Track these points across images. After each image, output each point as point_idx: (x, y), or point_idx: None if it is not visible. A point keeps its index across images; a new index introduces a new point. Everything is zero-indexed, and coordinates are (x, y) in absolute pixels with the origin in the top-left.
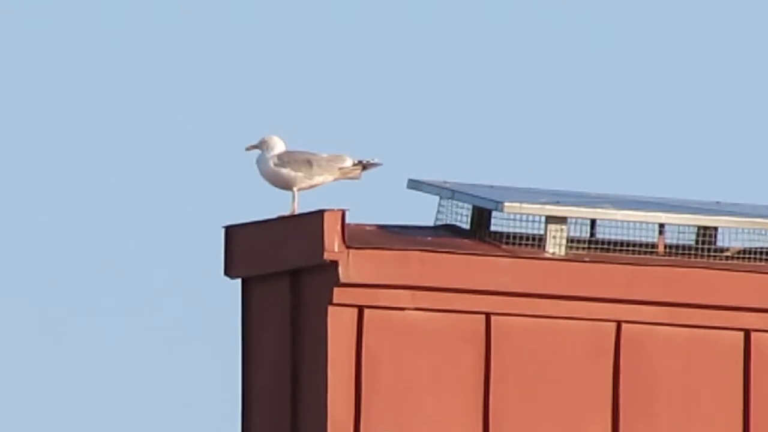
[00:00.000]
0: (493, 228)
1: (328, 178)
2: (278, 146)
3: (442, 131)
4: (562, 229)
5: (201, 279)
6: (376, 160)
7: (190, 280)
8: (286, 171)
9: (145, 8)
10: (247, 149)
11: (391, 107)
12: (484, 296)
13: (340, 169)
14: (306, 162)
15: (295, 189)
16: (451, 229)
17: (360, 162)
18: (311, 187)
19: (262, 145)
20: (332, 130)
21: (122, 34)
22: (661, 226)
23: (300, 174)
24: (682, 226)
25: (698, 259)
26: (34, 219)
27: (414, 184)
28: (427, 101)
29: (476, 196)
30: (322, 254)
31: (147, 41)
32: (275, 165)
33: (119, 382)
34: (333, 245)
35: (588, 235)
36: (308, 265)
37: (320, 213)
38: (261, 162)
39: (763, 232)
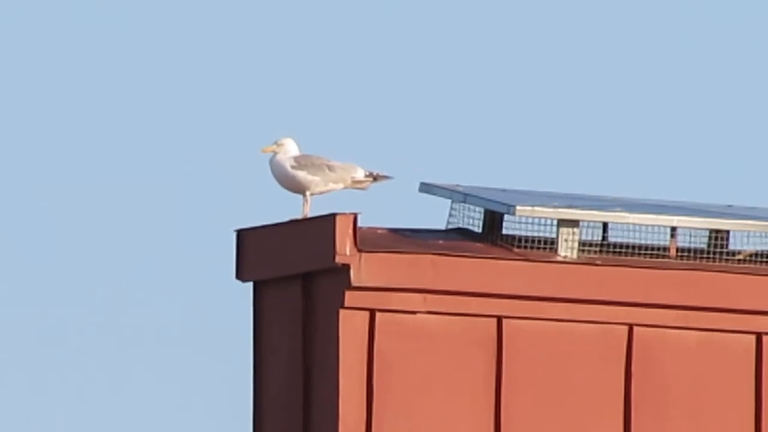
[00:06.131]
0: (505, 231)
1: (339, 185)
2: (293, 149)
3: (454, 135)
4: (574, 233)
5: (212, 282)
6: (386, 174)
7: (201, 283)
8: (302, 174)
9: (164, 13)
10: (264, 151)
11: (403, 111)
12: (496, 299)
13: (352, 178)
14: (323, 167)
15: (308, 193)
16: (463, 233)
17: (371, 174)
18: (322, 192)
19: (277, 147)
20: (344, 134)
21: (137, 37)
22: (673, 229)
23: (316, 178)
24: (694, 229)
25: (710, 263)
26: (44, 220)
27: (426, 188)
28: (438, 104)
29: (488, 200)
30: (334, 258)
31: (162, 44)
32: (292, 167)
33: (130, 385)
34: (345, 249)
35: (600, 238)
36: (320, 269)
37: (332, 216)
38: (276, 164)
39: None
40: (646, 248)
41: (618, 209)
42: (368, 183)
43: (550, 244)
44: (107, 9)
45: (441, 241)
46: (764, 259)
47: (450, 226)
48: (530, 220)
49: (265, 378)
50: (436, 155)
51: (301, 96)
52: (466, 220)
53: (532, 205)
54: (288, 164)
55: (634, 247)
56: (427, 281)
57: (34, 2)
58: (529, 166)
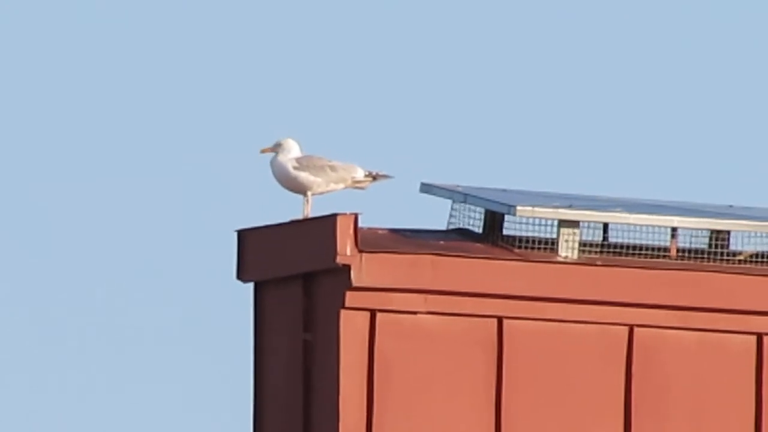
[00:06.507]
0: (505, 232)
1: (340, 185)
2: (294, 149)
3: (455, 135)
4: (574, 233)
5: (213, 283)
6: (385, 173)
7: (202, 284)
8: (304, 175)
9: (164, 12)
10: (263, 152)
11: (403, 111)
12: (497, 300)
13: (353, 178)
14: (325, 168)
15: (309, 193)
16: (464, 233)
17: (371, 173)
18: (323, 193)
19: (277, 148)
20: (344, 134)
21: (137, 37)
22: (674, 229)
23: (318, 179)
24: (694, 229)
25: (711, 263)
26: (44, 220)
27: (426, 188)
28: (439, 105)
29: (489, 200)
30: (335, 258)
31: (162, 44)
32: (294, 168)
33: (130, 386)
34: (345, 249)
35: (600, 238)
36: (321, 269)
37: (333, 217)
38: (277, 164)
39: None
40: (647, 249)
41: (618, 210)
42: (368, 182)
43: (551, 245)
44: (107, 9)
45: (441, 242)
46: (765, 260)
47: (450, 227)
48: (531, 221)
49: (265, 378)
50: (437, 155)
51: (301, 96)
52: (466, 220)
53: (533, 206)
54: (290, 165)
55: (634, 247)
56: (428, 281)
57: (34, 2)
58: (529, 167)
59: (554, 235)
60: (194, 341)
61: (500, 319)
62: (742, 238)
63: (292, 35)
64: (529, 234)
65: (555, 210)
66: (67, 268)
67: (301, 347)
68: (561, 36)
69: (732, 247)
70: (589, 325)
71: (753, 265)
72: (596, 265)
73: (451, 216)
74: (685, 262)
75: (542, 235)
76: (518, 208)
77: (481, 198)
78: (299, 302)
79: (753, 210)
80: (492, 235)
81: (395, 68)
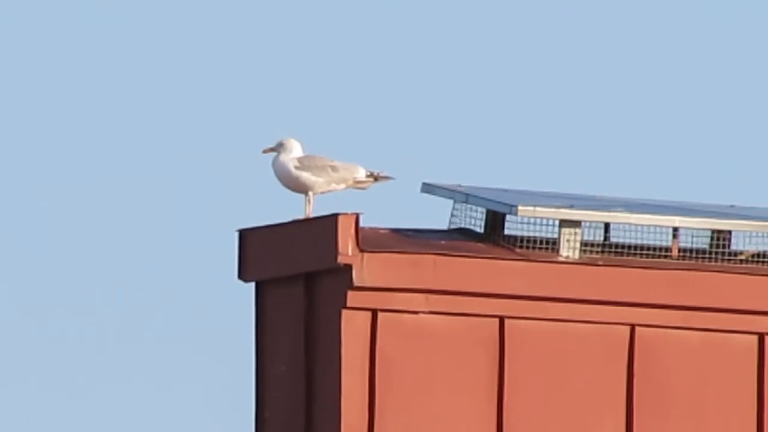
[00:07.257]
0: (507, 231)
1: (341, 186)
2: (296, 149)
3: (456, 135)
4: (575, 233)
5: (214, 283)
6: (387, 174)
7: (203, 283)
8: (306, 175)
9: (164, 12)
10: (265, 152)
11: (405, 111)
12: (498, 300)
13: (354, 178)
14: (326, 168)
15: (311, 193)
16: (465, 233)
17: (372, 174)
18: (324, 193)
19: (279, 148)
20: (346, 134)
21: (137, 37)
22: (675, 229)
23: (320, 180)
24: (696, 229)
25: (712, 263)
26: (44, 220)
27: (428, 188)
28: (440, 105)
29: (490, 200)
30: (336, 258)
31: (162, 44)
32: (296, 168)
33: (131, 386)
34: (347, 249)
35: (602, 238)
36: (322, 269)
37: (334, 217)
38: (279, 164)
39: None
40: (648, 248)
41: (620, 209)
42: (369, 183)
43: (552, 245)
44: (107, 9)
45: (443, 241)
46: (766, 260)
47: (452, 227)
48: (532, 221)
49: (267, 378)
50: (438, 155)
51: (302, 96)
52: (468, 220)
53: (534, 206)
54: (291, 165)
55: (635, 247)
56: (429, 281)
57: (34, 2)
58: (530, 167)
59: (555, 235)
60: (195, 341)
61: (502, 319)
62: (744, 238)
63: (293, 35)
64: (531, 234)
65: (556, 210)
66: (67, 268)
67: (303, 347)
68: (561, 36)
69: (733, 247)
70: (590, 325)
71: (755, 265)
72: (598, 265)
73: (452, 216)
74: (687, 262)
75: (544, 235)
76: (520, 207)
77: (483, 198)
78: (301, 302)
79: (754, 210)
80: (493, 234)
81: (396, 68)
